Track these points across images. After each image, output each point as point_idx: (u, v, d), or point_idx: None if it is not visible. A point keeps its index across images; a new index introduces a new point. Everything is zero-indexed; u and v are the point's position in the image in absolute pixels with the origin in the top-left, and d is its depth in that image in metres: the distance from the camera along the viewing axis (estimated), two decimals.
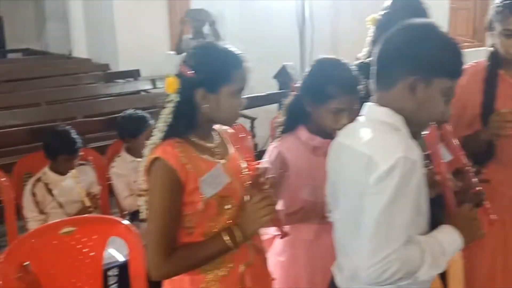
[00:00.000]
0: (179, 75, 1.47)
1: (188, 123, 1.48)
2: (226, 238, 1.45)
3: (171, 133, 1.46)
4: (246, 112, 4.78)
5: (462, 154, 1.63)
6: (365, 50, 2.06)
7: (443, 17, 5.96)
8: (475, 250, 1.98)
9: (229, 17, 5.22)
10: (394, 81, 1.26)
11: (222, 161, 1.54)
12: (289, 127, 1.81)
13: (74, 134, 2.77)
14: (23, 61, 8.87)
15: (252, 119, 4.55)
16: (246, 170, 1.60)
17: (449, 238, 1.27)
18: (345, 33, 4.53)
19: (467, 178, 1.61)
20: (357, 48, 2.15)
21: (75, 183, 2.67)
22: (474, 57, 2.97)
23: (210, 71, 1.44)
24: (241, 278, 1.54)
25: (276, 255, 1.86)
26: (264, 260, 1.66)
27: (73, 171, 2.70)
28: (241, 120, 4.63)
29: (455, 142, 1.64)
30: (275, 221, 1.57)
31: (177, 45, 5.52)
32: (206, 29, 5.48)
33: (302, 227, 1.81)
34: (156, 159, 1.43)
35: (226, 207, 1.51)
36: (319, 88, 1.69)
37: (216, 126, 1.61)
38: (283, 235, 1.61)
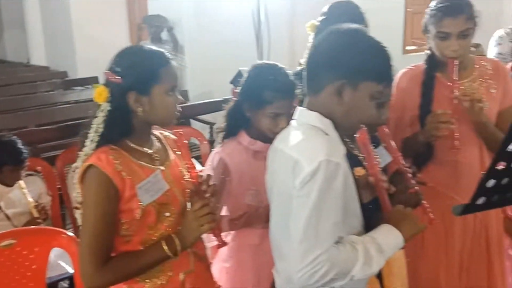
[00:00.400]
0: (107, 83, 1.44)
1: (122, 129, 1.45)
2: (165, 247, 1.42)
3: (104, 141, 1.43)
4: (205, 117, 4.77)
5: (400, 155, 1.66)
6: (305, 55, 2.09)
7: (399, 20, 6.10)
8: (418, 250, 2.02)
9: (186, 23, 5.19)
10: (322, 85, 1.28)
11: (161, 167, 1.51)
12: (230, 132, 1.81)
13: (19, 144, 2.69)
14: None
15: (211, 125, 4.53)
16: (188, 177, 1.57)
17: (386, 235, 1.29)
18: (302, 36, 4.57)
19: (405, 179, 1.64)
20: None
21: (23, 194, 2.61)
22: None
23: (137, 73, 1.42)
24: (181, 287, 1.52)
25: (222, 262, 1.86)
26: (206, 268, 1.64)
27: (20, 182, 2.63)
28: (199, 126, 4.64)
29: (393, 144, 1.67)
30: (215, 230, 1.55)
31: None
32: (164, 35, 5.46)
33: (247, 232, 1.81)
34: (89, 167, 1.39)
35: (165, 214, 1.48)
36: (255, 93, 1.70)
37: (157, 132, 1.59)
38: (222, 244, 1.60)
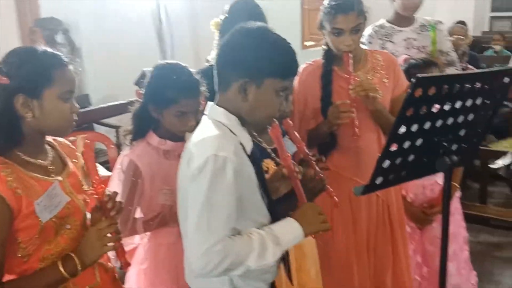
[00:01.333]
0: None
1: (10, 138, 1.32)
2: (61, 268, 1.34)
3: None
4: (110, 121, 4.63)
5: (303, 145, 1.75)
6: (213, 53, 2.12)
7: (296, 17, 6.33)
8: (328, 233, 2.14)
9: (83, 25, 5.00)
10: (229, 83, 1.32)
11: (59, 178, 1.41)
12: (138, 134, 1.79)
13: None
14: None
15: (117, 128, 4.41)
16: (92, 190, 1.46)
17: (286, 229, 1.35)
18: (206, 33, 4.59)
19: (310, 166, 1.73)
20: None
21: None
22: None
23: (27, 73, 1.31)
24: None
25: (138, 264, 1.84)
26: (113, 279, 1.60)
27: None
28: (104, 130, 4.49)
29: (297, 134, 1.75)
30: (119, 251, 1.46)
31: None
32: (59, 37, 5.21)
33: (162, 232, 1.81)
34: None
35: (66, 227, 1.40)
36: (160, 93, 1.71)
37: (50, 139, 1.47)
38: (125, 265, 1.49)
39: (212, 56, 2.14)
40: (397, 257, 2.21)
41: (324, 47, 2.10)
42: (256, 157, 1.40)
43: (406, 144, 1.41)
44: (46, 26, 5.10)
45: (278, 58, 1.30)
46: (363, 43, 2.42)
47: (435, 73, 2.26)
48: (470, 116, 1.51)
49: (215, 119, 1.34)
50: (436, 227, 2.51)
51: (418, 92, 1.29)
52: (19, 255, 1.33)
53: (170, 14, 4.41)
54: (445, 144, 1.48)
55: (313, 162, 1.73)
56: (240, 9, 2.08)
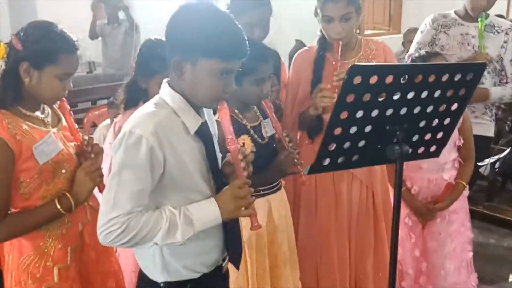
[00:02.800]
0: (9, 45, 1.55)
1: (14, 94, 1.56)
2: (58, 205, 1.60)
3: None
4: None
5: (279, 126, 1.84)
6: None
7: None
8: (312, 212, 2.22)
9: (140, 3, 5.28)
10: (169, 60, 1.33)
11: (54, 129, 1.66)
12: (130, 103, 1.96)
13: None
14: None
15: None
16: (73, 140, 1.72)
17: (202, 210, 1.33)
18: None
19: (283, 146, 1.83)
20: None
21: None
22: (390, 43, 3.17)
23: (38, 48, 1.53)
24: (80, 235, 1.71)
25: None
26: None
27: None
28: None
29: (273, 115, 1.85)
30: (101, 187, 1.69)
31: (91, 30, 5.54)
32: (121, 14, 5.53)
33: None
34: None
35: (61, 171, 1.64)
36: (145, 64, 1.86)
37: None
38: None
39: None
40: (379, 245, 2.24)
41: (319, 33, 2.15)
42: (205, 136, 1.39)
43: (353, 129, 1.46)
44: (109, 2, 5.43)
45: (215, 39, 1.26)
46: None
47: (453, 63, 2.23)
48: (429, 108, 1.53)
49: (161, 97, 1.36)
50: (439, 223, 2.49)
51: (357, 80, 1.34)
52: (22, 192, 1.57)
53: None
54: (398, 133, 1.51)
55: (287, 143, 1.82)
56: None
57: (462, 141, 2.32)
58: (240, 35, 1.32)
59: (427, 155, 1.69)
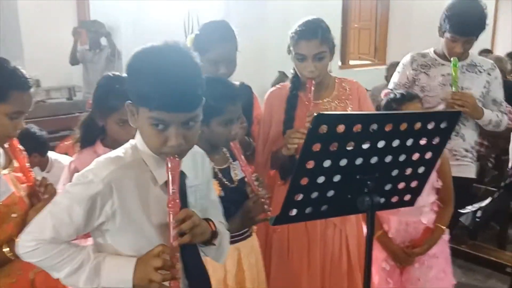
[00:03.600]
0: None
1: None
2: (6, 249, 1.51)
3: None
4: None
5: (248, 169, 1.76)
6: None
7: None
8: (284, 255, 2.12)
9: (124, 30, 5.24)
10: None
11: (5, 171, 1.58)
12: (86, 141, 1.87)
13: None
14: None
15: None
16: (25, 181, 1.64)
17: (117, 267, 1.25)
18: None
19: (253, 189, 1.74)
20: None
21: None
22: (375, 74, 3.06)
23: None
24: (31, 284, 1.61)
25: None
26: None
27: None
28: None
29: (242, 158, 1.77)
30: None
31: (72, 55, 5.50)
32: (103, 40, 5.48)
33: None
34: None
35: (12, 215, 1.55)
36: (102, 101, 1.78)
37: None
38: None
39: None
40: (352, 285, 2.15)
41: (292, 71, 2.09)
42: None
43: (320, 179, 1.38)
44: (91, 28, 5.39)
45: (143, 85, 1.16)
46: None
47: (417, 108, 2.16)
48: (402, 157, 1.46)
49: (135, 143, 1.31)
50: (418, 268, 2.40)
51: (323, 129, 1.26)
52: None
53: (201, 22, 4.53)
54: (369, 182, 1.44)
55: (256, 187, 1.73)
56: (210, 28, 2.12)
57: (441, 183, 2.25)
58: (175, 86, 1.16)
59: (401, 204, 1.61)
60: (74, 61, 5.49)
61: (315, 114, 1.26)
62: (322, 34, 1.95)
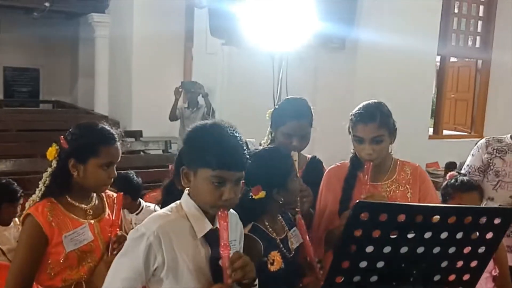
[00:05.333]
0: (59, 145, 1.78)
1: (62, 186, 1.78)
2: None
3: (48, 193, 1.77)
4: None
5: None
6: (265, 138, 2.33)
7: (428, 107, 6.14)
8: None
9: (219, 91, 5.60)
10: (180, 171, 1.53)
11: (91, 221, 1.81)
12: (166, 205, 2.00)
13: (15, 185, 3.12)
14: (49, 113, 9.58)
15: None
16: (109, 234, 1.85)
17: None
18: (321, 110, 4.81)
19: (315, 272, 1.79)
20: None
21: (17, 231, 2.95)
22: (469, 147, 3.06)
23: (79, 144, 1.75)
24: None
25: None
26: None
27: (16, 219, 3.00)
28: None
29: (307, 238, 1.84)
30: None
31: (172, 112, 5.93)
32: (200, 99, 5.90)
33: None
34: (28, 215, 1.74)
35: (87, 260, 1.78)
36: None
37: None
38: None
39: (264, 141, 2.33)
40: None
41: (352, 151, 2.12)
42: (212, 241, 1.49)
43: (363, 264, 1.40)
44: (190, 88, 5.83)
45: (207, 150, 1.44)
46: None
47: (474, 199, 2.10)
48: (451, 249, 1.45)
49: (180, 202, 1.54)
50: None
51: (364, 216, 1.31)
52: (48, 272, 1.74)
53: (290, 89, 4.71)
54: (414, 272, 1.43)
55: (318, 270, 1.76)
56: (288, 103, 2.26)
57: (497, 271, 2.14)
58: (231, 148, 1.46)
59: None
60: (173, 117, 5.93)
61: (357, 201, 1.31)
62: (381, 118, 1.97)
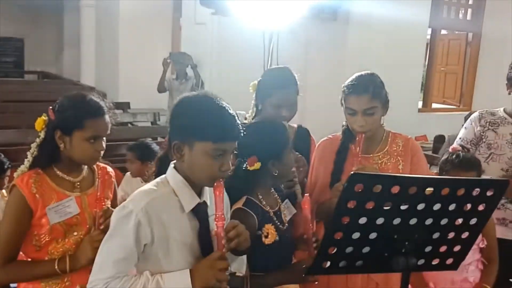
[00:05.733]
0: (47, 116, 1.74)
1: (49, 157, 1.74)
2: (56, 265, 1.70)
3: (36, 163, 1.74)
4: None
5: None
6: (250, 112, 2.29)
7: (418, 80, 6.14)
8: None
9: (209, 63, 5.53)
10: (171, 145, 1.48)
11: (79, 194, 1.77)
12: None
13: (1, 157, 3.08)
14: (34, 84, 9.42)
15: None
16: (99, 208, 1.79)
17: (175, 278, 1.42)
18: (313, 83, 4.78)
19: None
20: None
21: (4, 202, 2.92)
22: (458, 120, 2.99)
23: (65, 116, 1.70)
24: None
25: None
26: None
27: (3, 191, 2.96)
28: None
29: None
30: None
31: (160, 84, 5.85)
32: (189, 71, 5.82)
33: None
34: (13, 186, 1.71)
35: (73, 233, 1.75)
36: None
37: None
38: None
39: (249, 114, 2.29)
40: None
41: (344, 123, 2.10)
42: (200, 215, 1.49)
43: (355, 235, 1.40)
44: (179, 60, 5.75)
45: (207, 124, 1.41)
46: None
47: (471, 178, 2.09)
48: (444, 221, 1.45)
49: (165, 177, 1.50)
50: None
51: (359, 187, 1.30)
52: (33, 244, 1.72)
53: (280, 60, 4.66)
54: (407, 243, 1.44)
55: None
56: (272, 75, 2.23)
57: (486, 243, 2.17)
58: (230, 120, 1.45)
59: (443, 267, 1.58)
60: (161, 89, 5.85)
61: (352, 173, 1.30)
62: (374, 90, 1.94)
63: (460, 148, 2.34)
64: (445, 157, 2.23)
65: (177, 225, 1.45)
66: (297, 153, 2.05)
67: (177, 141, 1.45)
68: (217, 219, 1.43)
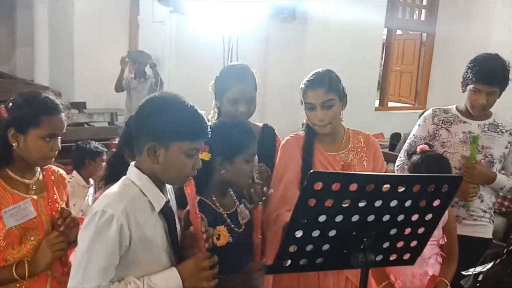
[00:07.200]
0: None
1: (1, 158, 1.67)
2: (13, 271, 1.63)
3: None
4: None
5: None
6: (212, 113, 2.26)
7: (374, 79, 6.28)
8: None
9: (168, 62, 5.46)
10: (141, 146, 1.44)
11: (34, 196, 1.70)
12: (111, 179, 1.92)
13: None
14: None
15: None
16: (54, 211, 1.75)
17: (165, 278, 1.42)
18: (273, 82, 4.80)
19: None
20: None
21: None
22: (413, 118, 2.99)
23: (20, 114, 1.64)
24: None
25: None
26: None
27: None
28: None
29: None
30: (63, 260, 1.74)
31: (118, 83, 5.73)
32: (148, 70, 5.72)
33: None
34: None
35: (30, 238, 1.68)
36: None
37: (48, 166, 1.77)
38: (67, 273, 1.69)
39: (211, 115, 2.26)
40: None
41: (304, 122, 2.12)
42: (168, 215, 1.49)
43: (315, 233, 1.42)
44: (137, 58, 5.64)
45: (183, 124, 1.42)
46: None
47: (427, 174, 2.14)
48: (400, 217, 1.48)
49: (128, 178, 1.47)
50: None
51: (318, 186, 1.31)
52: None
53: (240, 59, 4.66)
54: (365, 240, 1.46)
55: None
56: (229, 70, 2.22)
57: (445, 240, 2.24)
58: (202, 119, 1.48)
59: (400, 262, 1.62)
60: (119, 88, 5.73)
61: (311, 171, 1.31)
62: (330, 83, 1.98)
63: (427, 147, 2.38)
64: (411, 161, 2.27)
65: (150, 225, 1.44)
66: (262, 164, 2.00)
67: (152, 143, 1.42)
68: (192, 216, 1.46)
